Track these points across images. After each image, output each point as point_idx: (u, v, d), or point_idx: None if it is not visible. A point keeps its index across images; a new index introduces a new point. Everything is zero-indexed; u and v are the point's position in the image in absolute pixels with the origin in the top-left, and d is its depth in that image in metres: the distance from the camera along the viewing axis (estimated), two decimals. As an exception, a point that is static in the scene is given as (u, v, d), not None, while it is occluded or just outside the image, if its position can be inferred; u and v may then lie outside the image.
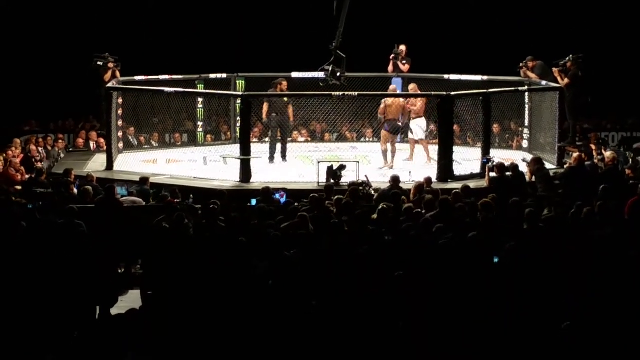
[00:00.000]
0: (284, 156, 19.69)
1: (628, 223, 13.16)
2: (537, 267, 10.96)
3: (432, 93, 18.55)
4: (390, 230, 12.39)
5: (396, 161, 19.18)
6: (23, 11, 25.34)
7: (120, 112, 19.80)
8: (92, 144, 21.59)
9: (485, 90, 18.56)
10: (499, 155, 18.18)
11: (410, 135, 19.62)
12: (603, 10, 25.53)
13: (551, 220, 12.89)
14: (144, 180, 16.43)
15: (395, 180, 15.43)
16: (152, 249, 12.31)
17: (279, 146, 19.79)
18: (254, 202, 14.77)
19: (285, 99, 19.55)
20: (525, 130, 20.50)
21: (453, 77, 20.99)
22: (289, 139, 20.66)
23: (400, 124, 19.06)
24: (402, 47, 21.55)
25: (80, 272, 11.24)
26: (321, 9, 19.82)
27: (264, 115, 19.47)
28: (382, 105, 19.24)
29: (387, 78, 21.50)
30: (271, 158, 19.60)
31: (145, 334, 8.95)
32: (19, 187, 16.73)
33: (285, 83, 19.66)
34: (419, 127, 19.33)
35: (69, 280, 11.02)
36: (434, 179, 16.80)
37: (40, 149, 20.49)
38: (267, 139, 20.22)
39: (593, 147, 19.22)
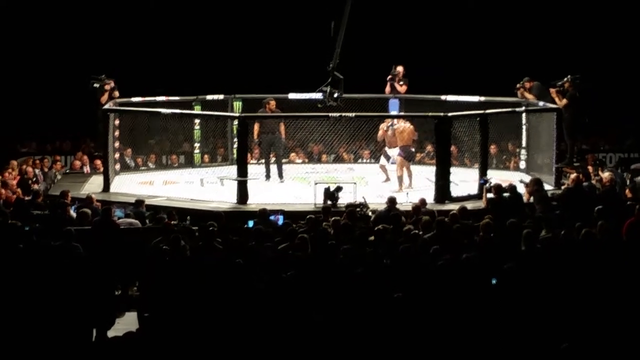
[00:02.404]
0: (280, 175, 19.70)
1: (626, 244, 13.15)
2: (535, 289, 10.93)
3: (430, 114, 18.53)
4: (388, 251, 12.36)
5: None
6: (19, 33, 25.37)
7: (117, 133, 19.77)
8: (85, 168, 21.55)
9: (482, 111, 18.56)
10: (496, 176, 18.15)
11: (383, 161, 19.63)
12: (600, 31, 25.61)
13: (549, 241, 12.87)
14: (139, 202, 16.40)
15: (392, 201, 15.42)
16: (149, 271, 12.28)
17: (273, 165, 19.80)
18: (251, 223, 14.76)
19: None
20: (523, 151, 20.48)
21: (450, 98, 20.97)
22: (286, 160, 20.67)
23: (413, 149, 19.06)
24: (399, 68, 21.56)
25: (76, 294, 11.20)
26: (318, 30, 19.83)
27: (255, 136, 19.47)
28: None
29: (384, 99, 21.53)
30: (267, 176, 19.68)
31: (142, 356, 8.91)
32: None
33: (273, 102, 19.71)
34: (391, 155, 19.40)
35: (66, 302, 10.98)
36: (431, 200, 16.81)
37: (36, 170, 20.46)
38: (263, 161, 20.22)
39: (590, 168, 19.20)
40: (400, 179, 18.73)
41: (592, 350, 9.22)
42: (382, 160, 19.64)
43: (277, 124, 19.66)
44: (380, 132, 19.54)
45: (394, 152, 19.18)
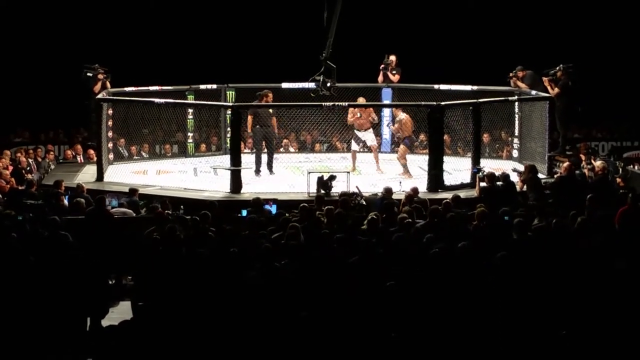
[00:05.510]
0: (270, 168, 19.52)
1: (618, 232, 13.19)
2: (527, 277, 10.96)
3: (422, 103, 18.56)
4: (381, 240, 12.38)
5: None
6: (12, 23, 25.34)
7: (110, 123, 19.76)
8: (78, 158, 21.54)
9: (475, 100, 18.58)
10: (489, 165, 18.21)
11: (355, 147, 19.69)
12: (593, 20, 25.63)
13: (541, 229, 12.91)
14: (133, 191, 16.41)
15: (388, 191, 15.42)
16: (143, 260, 12.29)
17: (264, 158, 19.52)
18: (244, 212, 14.77)
19: (271, 110, 19.47)
20: (515, 140, 20.51)
21: (443, 87, 20.97)
22: (280, 150, 20.64)
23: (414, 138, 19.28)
24: (392, 57, 21.61)
25: (71, 283, 11.22)
26: (311, 20, 19.84)
27: (249, 128, 19.31)
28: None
29: (377, 88, 21.58)
30: (257, 171, 19.31)
31: (136, 345, 8.94)
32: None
33: (270, 95, 19.39)
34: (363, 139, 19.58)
35: (60, 291, 10.99)
36: (424, 189, 16.84)
37: (30, 160, 20.46)
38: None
39: (583, 156, 19.25)
40: (405, 166, 18.79)
41: (588, 338, 9.27)
42: (354, 145, 19.67)
43: (270, 117, 19.49)
44: (350, 116, 19.50)
45: (365, 136, 19.29)
